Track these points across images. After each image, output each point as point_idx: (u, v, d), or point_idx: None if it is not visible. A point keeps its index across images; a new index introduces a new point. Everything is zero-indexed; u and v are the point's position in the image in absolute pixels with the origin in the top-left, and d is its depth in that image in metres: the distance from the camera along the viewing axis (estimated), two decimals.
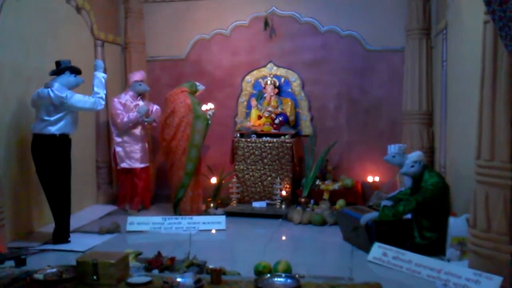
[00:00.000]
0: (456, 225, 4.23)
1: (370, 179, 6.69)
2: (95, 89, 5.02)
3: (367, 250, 4.41)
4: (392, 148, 4.94)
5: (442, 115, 5.63)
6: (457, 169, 4.96)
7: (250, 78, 7.10)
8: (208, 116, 6.11)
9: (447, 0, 5.37)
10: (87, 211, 6.27)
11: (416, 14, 6.16)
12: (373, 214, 4.53)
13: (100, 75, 5.11)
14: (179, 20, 7.22)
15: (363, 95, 6.80)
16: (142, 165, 6.42)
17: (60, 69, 4.92)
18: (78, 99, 4.84)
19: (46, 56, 5.40)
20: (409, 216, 4.60)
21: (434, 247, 4.41)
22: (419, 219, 4.55)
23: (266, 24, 6.85)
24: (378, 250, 4.28)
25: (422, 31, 6.18)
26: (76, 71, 5.00)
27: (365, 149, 6.78)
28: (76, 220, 5.57)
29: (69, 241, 4.92)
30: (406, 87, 6.33)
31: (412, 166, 4.62)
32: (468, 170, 4.09)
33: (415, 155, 4.68)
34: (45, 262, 3.83)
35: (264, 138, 6.43)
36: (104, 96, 5.07)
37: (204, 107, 6.20)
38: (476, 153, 3.51)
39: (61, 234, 4.91)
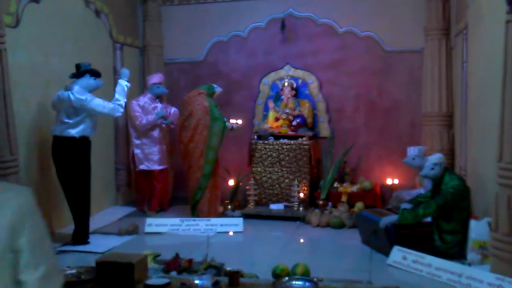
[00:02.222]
0: (477, 229, 4.15)
1: (389, 181, 6.60)
2: (117, 95, 5.08)
3: (386, 253, 4.36)
4: (412, 150, 4.89)
5: (462, 116, 5.54)
6: (478, 172, 4.88)
7: (267, 80, 7.10)
8: (230, 126, 6.09)
9: None
10: (106, 212, 6.33)
11: (435, 14, 6.08)
12: (392, 217, 4.47)
13: (124, 83, 5.18)
14: (197, 23, 7.25)
15: (382, 96, 6.74)
16: (161, 167, 6.45)
17: (80, 72, 4.96)
18: (98, 103, 4.88)
19: (65, 59, 5.47)
20: (429, 219, 4.54)
21: (455, 251, 4.34)
22: (439, 222, 4.48)
23: (283, 25, 6.84)
24: (397, 253, 4.23)
25: (442, 31, 6.09)
26: (96, 74, 5.03)
27: (384, 151, 6.71)
28: (96, 221, 5.61)
29: (88, 242, 4.96)
30: (425, 89, 6.25)
31: (432, 169, 4.54)
32: (490, 172, 4.02)
33: (435, 157, 4.60)
34: (65, 263, 3.86)
35: (281, 140, 6.40)
36: (123, 104, 5.12)
37: (232, 121, 6.21)
38: (498, 155, 3.45)
39: (81, 235, 4.95)
